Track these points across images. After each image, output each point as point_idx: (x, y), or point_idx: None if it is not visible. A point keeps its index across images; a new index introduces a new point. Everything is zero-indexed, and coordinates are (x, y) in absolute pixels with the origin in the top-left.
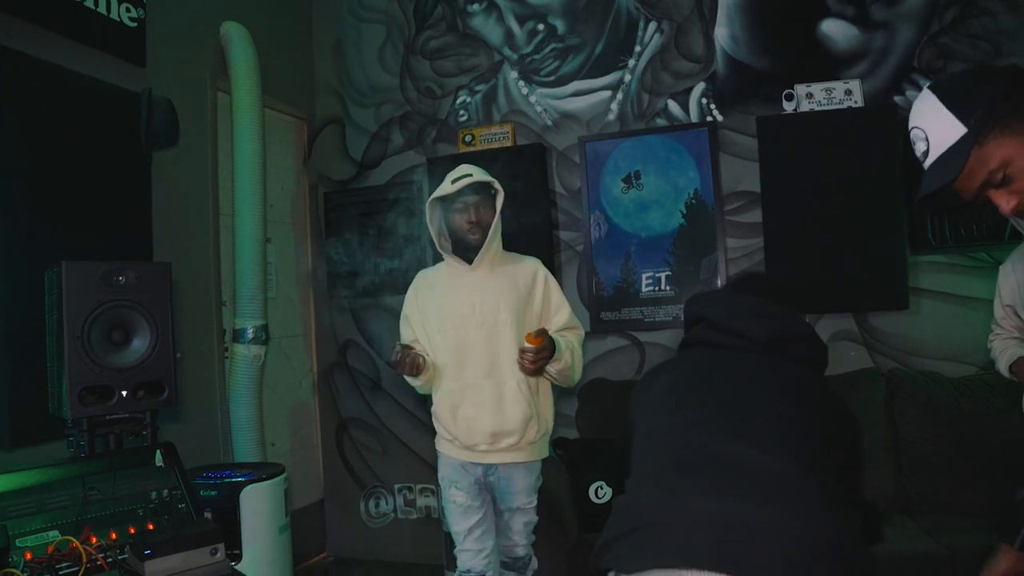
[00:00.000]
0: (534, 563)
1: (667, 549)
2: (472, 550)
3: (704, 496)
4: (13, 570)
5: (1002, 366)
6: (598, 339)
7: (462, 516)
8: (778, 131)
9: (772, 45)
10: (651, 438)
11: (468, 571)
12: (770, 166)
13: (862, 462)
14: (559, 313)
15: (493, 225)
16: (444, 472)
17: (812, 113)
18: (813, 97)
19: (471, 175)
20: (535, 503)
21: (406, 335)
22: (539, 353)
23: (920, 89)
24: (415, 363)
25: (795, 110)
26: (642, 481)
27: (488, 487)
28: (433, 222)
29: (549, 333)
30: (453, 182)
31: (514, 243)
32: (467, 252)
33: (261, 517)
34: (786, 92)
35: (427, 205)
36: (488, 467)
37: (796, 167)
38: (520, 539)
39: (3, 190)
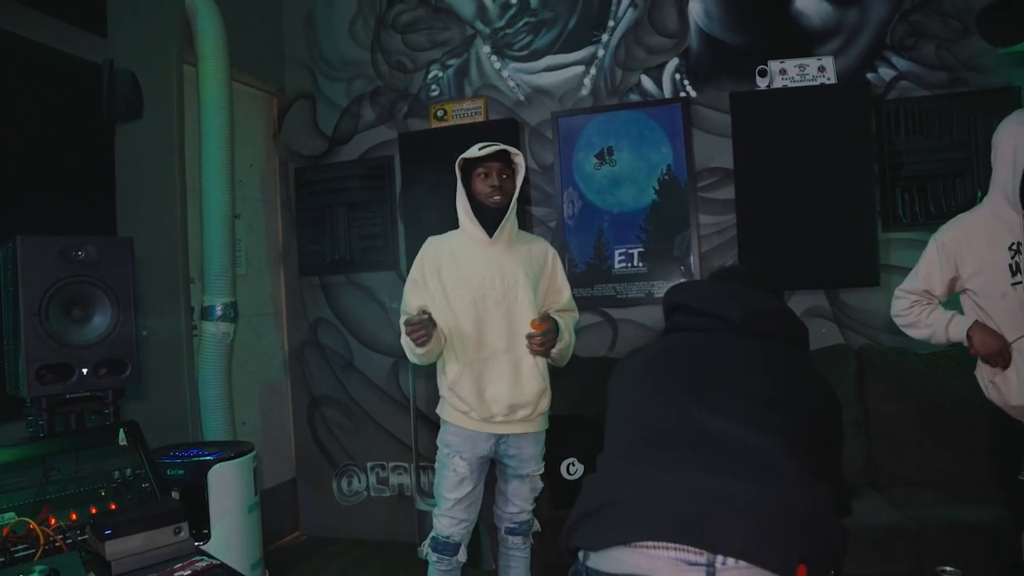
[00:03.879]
0: (536, 524)
1: (633, 524)
2: (456, 519)
3: (672, 468)
4: None
5: (951, 333)
6: None
7: (458, 485)
8: (751, 107)
9: (746, 21)
10: (622, 414)
11: (447, 537)
12: (743, 142)
13: (841, 440)
14: (561, 294)
15: (513, 198)
16: (450, 440)
17: (785, 89)
18: (786, 73)
19: (498, 144)
20: (542, 470)
21: (413, 302)
22: (545, 336)
23: (892, 67)
24: (430, 334)
25: (768, 86)
26: (612, 457)
27: (498, 457)
28: (459, 189)
29: (552, 316)
30: (480, 148)
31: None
32: (486, 224)
33: (230, 496)
34: (759, 68)
35: (456, 167)
36: (500, 437)
37: (769, 143)
38: (526, 505)
39: None
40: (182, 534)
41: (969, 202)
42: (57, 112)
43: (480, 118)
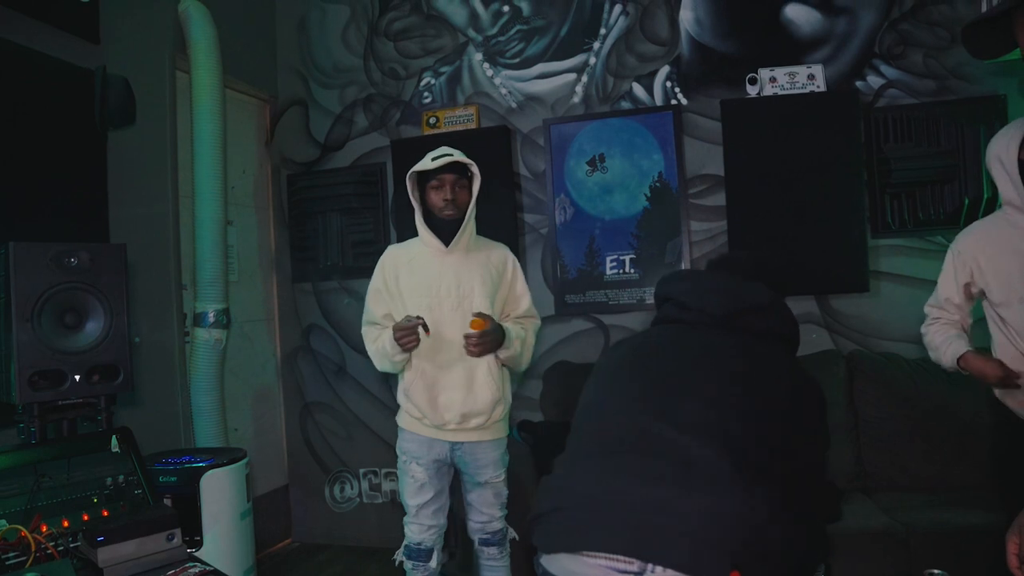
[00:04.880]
0: (511, 532)
1: (575, 532)
2: (423, 524)
3: (615, 477)
4: None
5: (946, 359)
6: (562, 322)
7: (418, 491)
8: (742, 115)
9: (736, 29)
10: (583, 413)
11: (419, 544)
12: (734, 149)
13: (826, 442)
14: (521, 301)
15: (470, 207)
16: (406, 447)
17: (775, 97)
18: (776, 81)
19: (451, 155)
20: (503, 476)
21: (377, 310)
22: (483, 337)
23: (880, 75)
24: (419, 340)
25: (759, 94)
26: (566, 459)
27: (454, 463)
28: (414, 198)
29: (499, 321)
30: (433, 159)
31: (479, 226)
32: (443, 232)
33: (222, 503)
34: (750, 76)
35: (407, 178)
36: (455, 444)
37: (759, 151)
38: (495, 512)
39: None
40: (175, 540)
41: (957, 209)
42: (50, 118)
43: (472, 125)
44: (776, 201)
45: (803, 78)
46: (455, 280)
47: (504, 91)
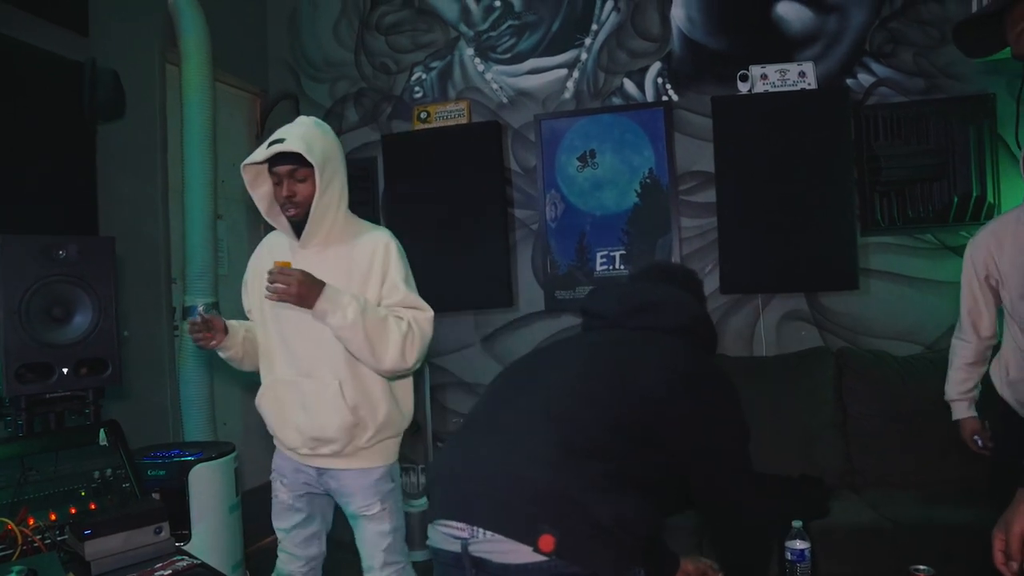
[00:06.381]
0: None
1: (434, 505)
2: (291, 554)
3: (461, 454)
4: None
5: (948, 390)
6: (552, 318)
7: (283, 513)
8: (733, 112)
9: (728, 26)
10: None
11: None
12: (724, 146)
13: (729, 426)
14: (394, 292)
15: (314, 205)
16: (276, 462)
17: (766, 94)
18: (767, 78)
19: (283, 140)
20: (385, 510)
21: (244, 302)
22: (284, 275)
23: (871, 73)
24: (211, 339)
25: (750, 91)
26: (447, 440)
27: (327, 490)
28: (254, 192)
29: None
30: (268, 145)
31: (469, 221)
32: (298, 226)
33: (211, 497)
34: (741, 73)
35: (242, 168)
36: (319, 468)
37: (750, 148)
38: (373, 551)
39: None
40: (163, 534)
41: (946, 207)
42: (38, 111)
43: (463, 120)
44: (766, 198)
45: (794, 75)
46: None
47: (495, 86)
